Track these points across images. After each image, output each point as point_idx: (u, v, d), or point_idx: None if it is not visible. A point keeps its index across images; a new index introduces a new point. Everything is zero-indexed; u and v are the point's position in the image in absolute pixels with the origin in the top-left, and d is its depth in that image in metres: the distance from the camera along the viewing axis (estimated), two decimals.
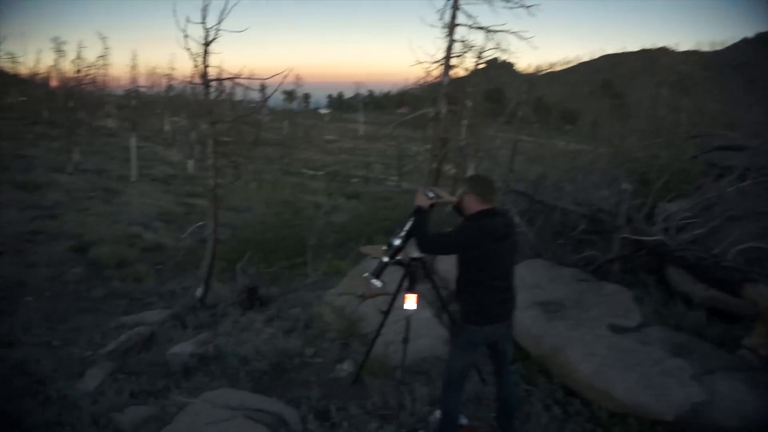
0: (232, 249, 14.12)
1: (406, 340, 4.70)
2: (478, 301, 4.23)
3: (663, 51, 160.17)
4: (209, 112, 9.74)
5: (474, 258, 4.16)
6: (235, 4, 9.37)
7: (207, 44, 9.47)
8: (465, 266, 4.27)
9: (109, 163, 35.29)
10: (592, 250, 8.44)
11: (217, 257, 13.49)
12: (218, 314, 9.28)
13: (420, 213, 4.42)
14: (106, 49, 59.38)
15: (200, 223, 10.53)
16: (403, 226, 4.56)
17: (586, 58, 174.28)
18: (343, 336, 7.07)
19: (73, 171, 30.16)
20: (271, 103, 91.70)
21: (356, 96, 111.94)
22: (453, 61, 11.58)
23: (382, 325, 5.35)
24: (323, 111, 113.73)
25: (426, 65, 11.45)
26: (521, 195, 9.22)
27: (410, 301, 4.68)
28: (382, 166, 49.72)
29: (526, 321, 5.90)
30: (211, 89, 9.71)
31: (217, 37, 9.46)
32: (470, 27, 11.21)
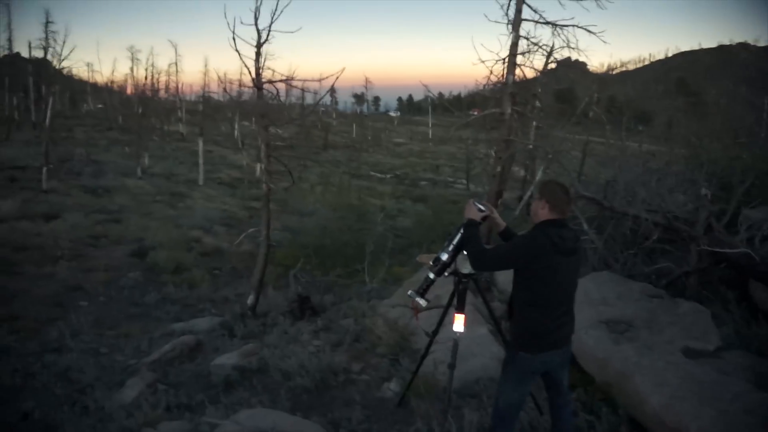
0: (291, 254, 13.91)
1: (452, 366, 4.24)
2: (534, 324, 3.72)
3: (742, 46, 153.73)
4: (262, 116, 9.49)
5: (537, 272, 3.64)
6: (287, 5, 9.18)
7: (259, 46, 9.24)
8: (524, 282, 3.75)
9: (178, 168, 35.92)
10: (666, 262, 7.77)
11: (273, 263, 13.32)
12: (268, 323, 8.99)
13: (471, 226, 3.98)
14: (177, 55, 61.40)
15: (253, 229, 10.27)
16: (452, 239, 4.12)
17: (660, 56, 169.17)
18: (393, 351, 6.67)
19: (142, 175, 30.77)
20: (341, 106, 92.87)
21: (426, 99, 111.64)
22: (519, 59, 11.04)
23: (429, 347, 4.88)
24: (392, 114, 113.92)
25: (490, 63, 10.95)
26: (590, 201, 8.56)
27: (458, 323, 4.22)
28: (450, 168, 49.11)
29: (590, 342, 5.33)
30: (265, 92, 9.45)
31: (269, 38, 9.23)
32: (536, 22, 10.63)
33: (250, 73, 9.15)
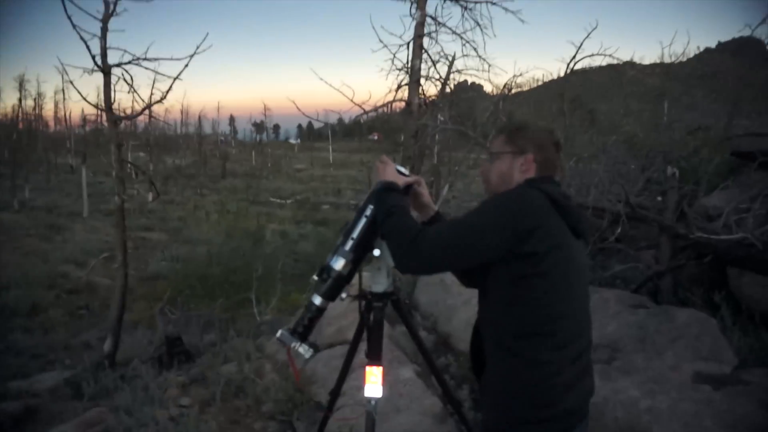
0: (174, 286, 11.98)
1: None
2: (538, 379, 1.77)
3: (629, 65, 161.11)
4: (110, 108, 7.43)
5: (535, 261, 1.73)
6: None
7: (106, 19, 7.28)
8: (511, 291, 1.78)
9: (63, 200, 33.75)
10: (621, 264, 6.33)
11: (153, 297, 11.33)
12: (128, 376, 6.89)
13: (390, 191, 2.07)
14: (65, 82, 57.76)
15: (105, 254, 8.20)
16: (350, 231, 2.21)
17: (554, 76, 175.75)
18: (284, 410, 4.75)
19: (19, 208, 28.21)
20: (240, 135, 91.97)
21: (326, 125, 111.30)
22: (426, 43, 9.75)
23: (325, 420, 2.88)
24: (293, 141, 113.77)
25: (393, 48, 9.63)
26: None
27: (373, 384, 2.26)
28: (352, 191, 48.07)
29: None
30: (113, 77, 7.46)
31: (116, 10, 7.30)
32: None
33: (90, 52, 7.12)
